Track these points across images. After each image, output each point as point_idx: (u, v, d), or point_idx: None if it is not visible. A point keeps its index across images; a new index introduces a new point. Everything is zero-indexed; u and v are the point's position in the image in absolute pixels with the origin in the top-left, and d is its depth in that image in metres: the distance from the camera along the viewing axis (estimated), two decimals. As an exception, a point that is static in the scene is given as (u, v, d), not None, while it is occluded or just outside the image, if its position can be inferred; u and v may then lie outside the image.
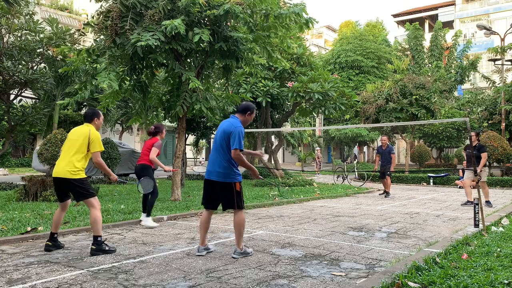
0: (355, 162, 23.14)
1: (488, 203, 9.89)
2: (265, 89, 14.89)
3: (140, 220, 7.13)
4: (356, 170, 19.58)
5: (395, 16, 44.69)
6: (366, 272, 4.33)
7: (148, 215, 7.08)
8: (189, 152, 26.94)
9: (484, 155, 9.88)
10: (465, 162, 10.85)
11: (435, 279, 3.67)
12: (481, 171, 9.85)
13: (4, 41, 12.29)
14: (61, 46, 12.03)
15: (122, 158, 16.25)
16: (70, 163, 5.02)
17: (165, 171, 7.32)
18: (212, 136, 20.32)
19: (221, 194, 4.90)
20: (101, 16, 8.84)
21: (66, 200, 5.27)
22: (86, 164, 5.16)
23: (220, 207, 5.07)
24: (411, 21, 37.86)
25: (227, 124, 4.93)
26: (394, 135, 28.57)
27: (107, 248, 5.06)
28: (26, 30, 12.64)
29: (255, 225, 7.19)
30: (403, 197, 12.54)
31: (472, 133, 10.30)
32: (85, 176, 5.14)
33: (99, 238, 5.02)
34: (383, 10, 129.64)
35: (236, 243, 4.96)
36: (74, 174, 5.02)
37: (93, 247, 5.01)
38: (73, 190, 5.11)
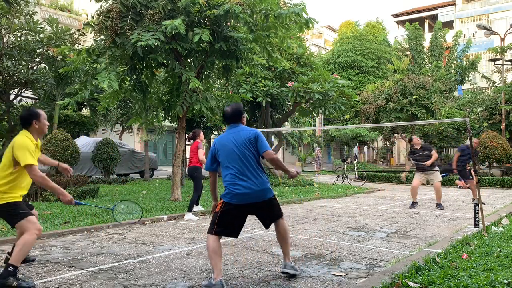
0: (355, 162, 23.13)
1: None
2: (265, 89, 14.89)
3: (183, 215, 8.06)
4: (356, 170, 19.58)
5: (395, 16, 44.67)
6: (366, 272, 4.33)
7: (189, 210, 7.97)
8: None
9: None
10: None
11: (435, 279, 3.67)
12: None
13: (4, 41, 12.29)
14: (61, 46, 12.03)
15: (122, 158, 16.28)
16: None
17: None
18: (213, 136, 20.31)
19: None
20: (101, 16, 8.85)
21: None
22: (16, 184, 3.85)
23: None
24: (411, 21, 37.80)
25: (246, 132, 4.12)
26: (394, 135, 28.56)
27: (15, 283, 3.66)
28: (26, 30, 12.64)
29: (255, 225, 7.18)
30: (403, 197, 12.53)
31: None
32: (15, 200, 3.83)
33: (10, 268, 3.69)
34: (383, 10, 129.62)
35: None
36: None
37: None
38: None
